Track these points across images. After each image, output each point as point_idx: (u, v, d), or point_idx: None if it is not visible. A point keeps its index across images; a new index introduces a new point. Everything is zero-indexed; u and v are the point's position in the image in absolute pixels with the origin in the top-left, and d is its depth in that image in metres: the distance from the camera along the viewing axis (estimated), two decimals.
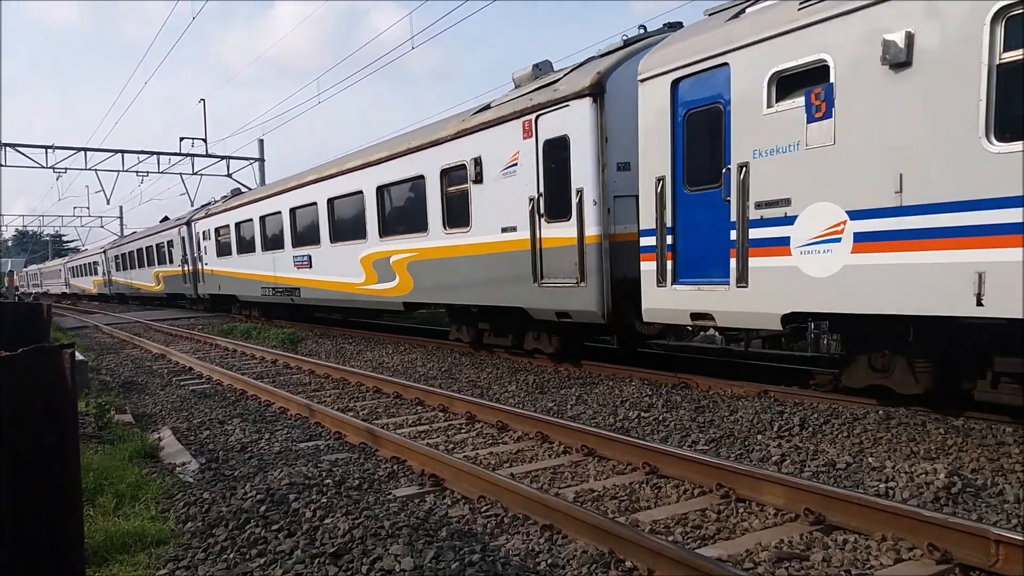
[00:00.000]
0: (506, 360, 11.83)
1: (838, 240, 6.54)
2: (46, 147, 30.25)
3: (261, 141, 33.96)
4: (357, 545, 4.30)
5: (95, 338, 20.76)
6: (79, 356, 10.14)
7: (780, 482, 4.78)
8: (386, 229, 14.01)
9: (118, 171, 32.73)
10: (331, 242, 16.18)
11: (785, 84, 6.94)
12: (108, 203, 48.15)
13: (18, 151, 29.72)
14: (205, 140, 32.35)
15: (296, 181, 18.14)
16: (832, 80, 6.48)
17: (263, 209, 20.14)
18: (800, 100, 6.74)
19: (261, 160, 33.94)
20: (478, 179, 11.08)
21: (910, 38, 5.92)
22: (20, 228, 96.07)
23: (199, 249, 26.15)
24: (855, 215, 6.40)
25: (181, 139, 32.33)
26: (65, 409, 2.33)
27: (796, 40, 6.76)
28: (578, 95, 9.31)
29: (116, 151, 31.64)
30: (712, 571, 3.58)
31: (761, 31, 7.06)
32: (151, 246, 33.18)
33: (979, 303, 5.60)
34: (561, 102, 9.57)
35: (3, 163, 29.39)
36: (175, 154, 32.31)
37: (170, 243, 29.82)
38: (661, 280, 8.29)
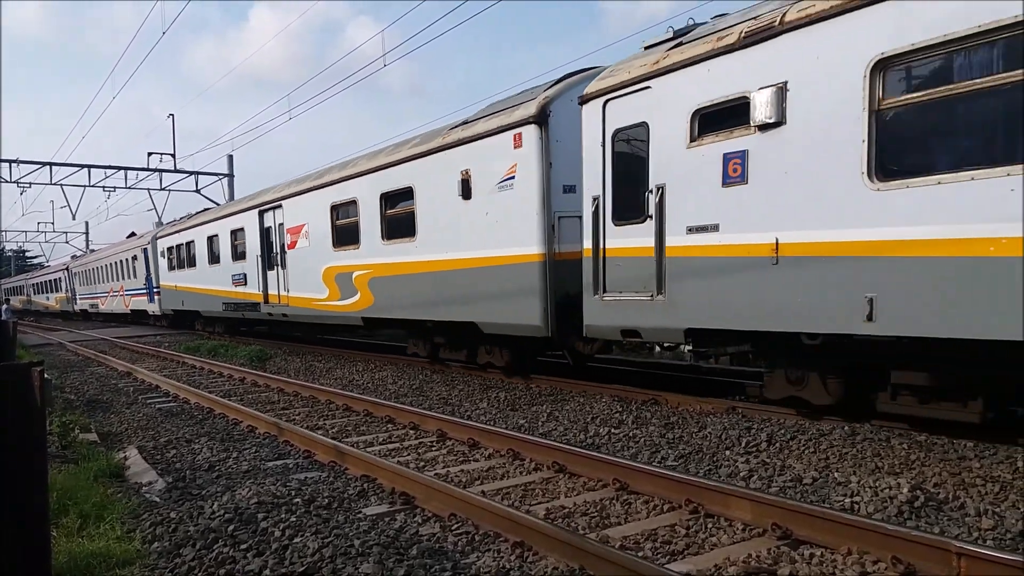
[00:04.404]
0: (478, 377, 11.82)
1: None
2: (10, 161, 29.79)
3: (231, 157, 33.75)
4: (327, 564, 4.28)
5: (59, 355, 20.36)
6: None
7: (748, 497, 4.84)
8: None
9: (84, 186, 32.30)
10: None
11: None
12: (74, 218, 47.35)
13: None
14: (174, 155, 32.05)
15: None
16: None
17: None
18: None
19: (230, 176, 33.70)
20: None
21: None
22: None
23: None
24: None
25: (149, 154, 31.83)
26: (33, 428, 2.30)
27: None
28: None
29: (82, 166, 31.24)
30: None
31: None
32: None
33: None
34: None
35: None
36: (143, 169, 31.99)
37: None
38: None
